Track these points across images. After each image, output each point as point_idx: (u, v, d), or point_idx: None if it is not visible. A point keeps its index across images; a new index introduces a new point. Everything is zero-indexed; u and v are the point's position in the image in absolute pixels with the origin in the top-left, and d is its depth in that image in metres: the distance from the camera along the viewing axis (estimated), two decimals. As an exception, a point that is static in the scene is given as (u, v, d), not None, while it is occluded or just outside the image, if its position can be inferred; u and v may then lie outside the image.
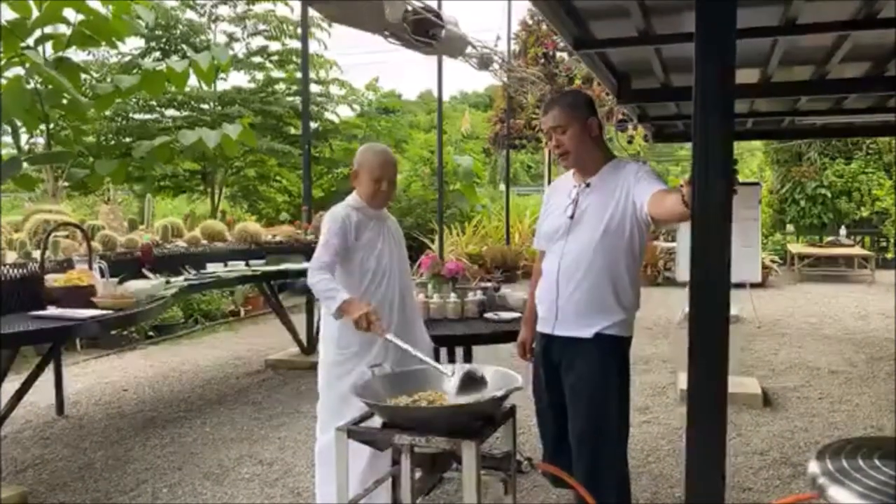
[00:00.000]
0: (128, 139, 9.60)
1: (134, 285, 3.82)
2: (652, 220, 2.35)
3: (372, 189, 2.78)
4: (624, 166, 2.50)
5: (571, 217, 2.52)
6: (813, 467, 1.45)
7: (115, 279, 3.86)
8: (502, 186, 13.27)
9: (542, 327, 2.64)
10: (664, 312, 8.19)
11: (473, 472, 1.97)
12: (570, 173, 2.63)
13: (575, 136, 2.48)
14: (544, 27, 12.04)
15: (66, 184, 7.74)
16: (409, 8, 4.49)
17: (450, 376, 2.21)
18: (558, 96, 2.67)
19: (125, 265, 4.57)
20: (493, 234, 12.54)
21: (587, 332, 2.47)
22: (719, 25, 1.83)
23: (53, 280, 3.57)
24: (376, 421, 2.15)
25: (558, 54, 12.28)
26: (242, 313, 8.69)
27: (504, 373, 2.25)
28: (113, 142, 9.84)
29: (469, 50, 6.10)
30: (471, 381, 2.17)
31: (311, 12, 7.91)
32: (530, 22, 12.91)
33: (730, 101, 1.87)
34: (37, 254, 3.89)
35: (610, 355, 2.49)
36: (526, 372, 2.71)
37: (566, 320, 2.52)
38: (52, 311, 3.36)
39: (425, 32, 4.74)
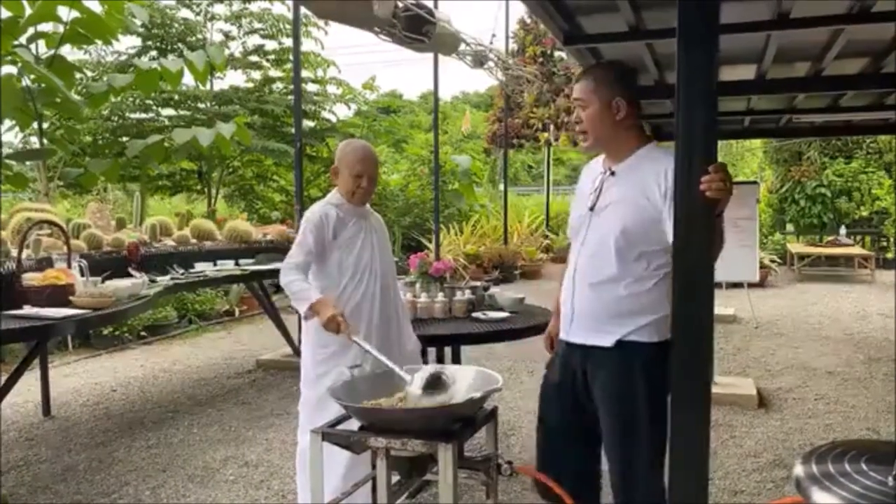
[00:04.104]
0: (124, 138, 9.55)
1: (114, 284, 3.77)
2: None
3: (352, 185, 2.73)
4: (657, 159, 2.17)
5: (592, 208, 2.26)
6: (798, 471, 1.40)
7: (97, 278, 3.81)
8: (502, 186, 13.20)
9: (560, 332, 2.38)
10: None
11: (450, 475, 1.91)
12: (603, 155, 2.35)
13: (594, 115, 2.20)
14: (542, 25, 11.97)
15: (60, 183, 7.70)
16: (400, 4, 4.44)
17: (409, 383, 2.08)
18: (592, 67, 2.40)
19: (111, 264, 4.52)
20: (491, 234, 12.50)
21: (607, 340, 2.20)
22: (702, 19, 1.78)
23: (31, 279, 3.51)
24: (355, 423, 2.09)
25: (556, 53, 12.22)
26: (237, 313, 8.64)
27: (484, 373, 2.19)
28: (109, 140, 9.80)
29: (462, 47, 6.04)
30: (436, 384, 2.05)
31: (307, 11, 7.87)
32: (528, 20, 12.86)
33: (713, 96, 1.81)
34: (16, 252, 3.84)
35: (635, 364, 2.18)
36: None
37: (581, 325, 2.26)
38: (27, 310, 3.30)
39: (418, 30, 4.70)
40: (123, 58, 10.15)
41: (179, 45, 10.26)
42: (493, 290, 4.06)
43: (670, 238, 2.09)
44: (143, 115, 10.52)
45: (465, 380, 2.20)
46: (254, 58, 11.31)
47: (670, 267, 2.18)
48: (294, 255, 2.67)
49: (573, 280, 2.29)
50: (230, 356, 6.53)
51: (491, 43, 7.26)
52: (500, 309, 3.73)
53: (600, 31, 3.65)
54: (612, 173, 2.24)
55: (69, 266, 3.72)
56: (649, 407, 2.19)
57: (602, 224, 2.22)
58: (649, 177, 2.14)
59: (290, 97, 11.24)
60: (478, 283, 4.00)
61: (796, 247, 12.46)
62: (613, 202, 2.21)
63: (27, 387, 4.97)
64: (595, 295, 2.22)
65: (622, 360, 2.19)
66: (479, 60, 6.60)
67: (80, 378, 5.74)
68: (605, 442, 2.29)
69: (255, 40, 11.22)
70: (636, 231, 2.15)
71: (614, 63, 2.59)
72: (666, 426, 2.21)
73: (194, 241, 5.86)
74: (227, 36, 11.11)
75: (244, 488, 3.54)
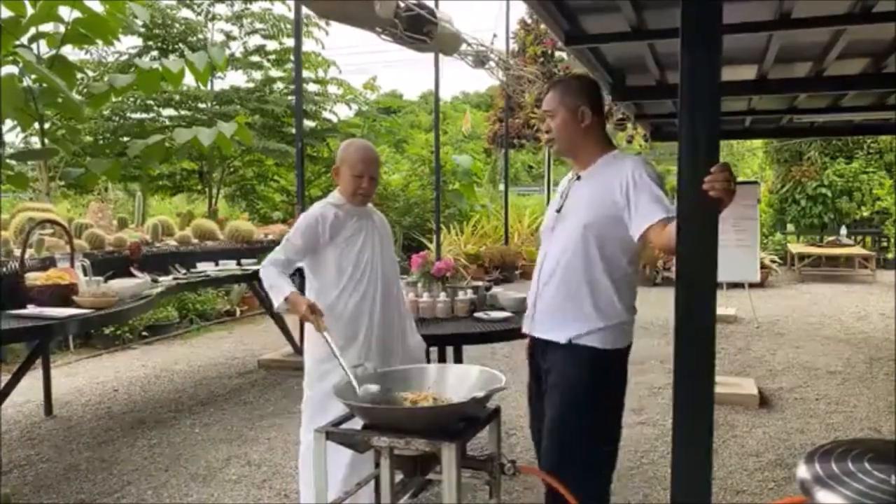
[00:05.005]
0: (125, 138, 9.56)
1: (117, 284, 3.77)
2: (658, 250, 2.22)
3: (353, 185, 2.73)
4: (619, 163, 2.27)
5: (559, 211, 2.38)
6: (802, 471, 1.40)
7: (100, 278, 3.81)
8: (502, 186, 13.20)
9: (525, 327, 2.49)
10: (661, 312, 8.10)
11: (454, 474, 1.91)
12: None
13: (561, 123, 2.33)
14: (543, 26, 11.98)
15: (61, 182, 7.70)
16: (402, 4, 4.45)
17: (358, 392, 2.12)
18: (557, 80, 2.52)
19: (113, 263, 4.53)
20: (491, 234, 12.50)
21: (561, 337, 2.29)
22: (705, 19, 1.79)
23: (34, 278, 3.52)
24: (358, 422, 2.10)
25: (557, 53, 12.24)
26: (238, 313, 8.64)
27: (488, 373, 2.19)
28: (110, 140, 9.81)
29: (463, 47, 6.05)
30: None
31: (309, 11, 7.87)
32: (529, 21, 12.87)
33: (716, 96, 1.82)
34: (19, 252, 3.84)
35: (583, 367, 2.26)
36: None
37: (541, 321, 2.37)
38: (31, 309, 3.30)
39: (419, 30, 4.70)
40: (124, 58, 10.15)
41: (180, 45, 10.27)
42: (495, 289, 4.06)
43: (636, 236, 2.18)
44: (144, 115, 10.53)
45: (468, 379, 2.20)
46: (255, 58, 11.32)
47: (633, 274, 2.32)
48: (278, 252, 2.70)
49: (538, 280, 2.40)
50: (232, 356, 6.53)
51: (492, 43, 7.26)
52: (502, 309, 3.74)
53: (602, 32, 3.65)
54: (579, 178, 2.37)
55: (72, 266, 3.72)
56: (589, 405, 2.26)
57: (567, 226, 2.32)
58: (612, 177, 2.24)
59: (290, 97, 11.26)
60: (479, 283, 4.00)
61: (797, 247, 12.46)
62: (577, 204, 2.33)
63: (29, 386, 4.97)
64: (551, 294, 2.33)
65: (573, 359, 2.27)
66: (480, 60, 6.61)
67: (81, 378, 5.74)
68: (544, 429, 2.35)
69: (256, 40, 11.24)
70: (597, 226, 2.24)
71: (578, 76, 2.72)
72: (603, 430, 2.30)
73: (196, 240, 5.87)
74: (229, 36, 11.12)
75: (246, 488, 3.55)
